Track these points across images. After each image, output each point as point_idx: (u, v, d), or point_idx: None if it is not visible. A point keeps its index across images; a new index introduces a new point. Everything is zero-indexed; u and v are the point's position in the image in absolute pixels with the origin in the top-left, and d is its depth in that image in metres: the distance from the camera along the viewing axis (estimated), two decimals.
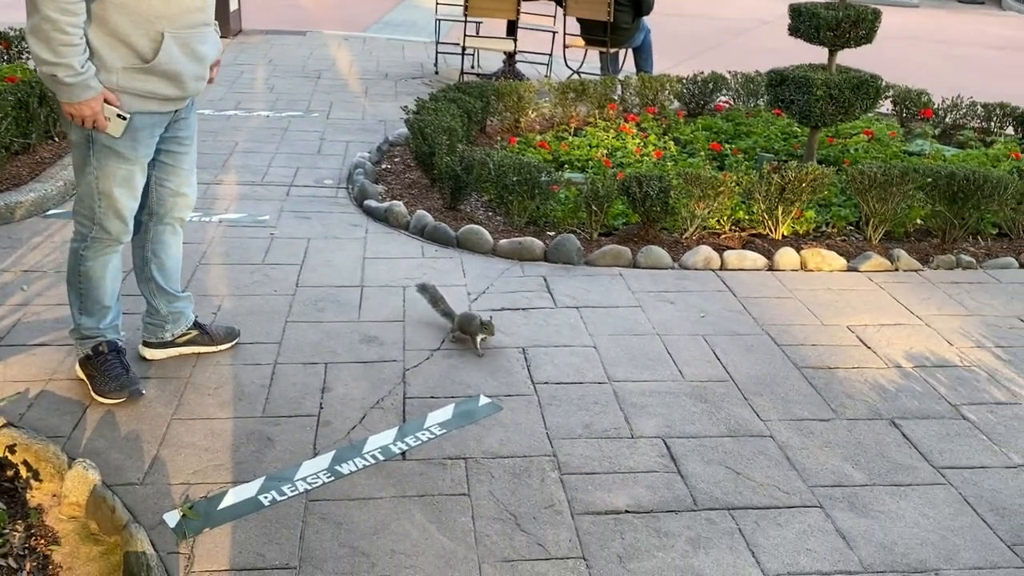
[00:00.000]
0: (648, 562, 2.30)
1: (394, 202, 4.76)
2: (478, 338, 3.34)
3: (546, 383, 3.15)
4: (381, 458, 2.67)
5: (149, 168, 2.80)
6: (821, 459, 2.78)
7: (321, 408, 2.93)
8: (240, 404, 2.92)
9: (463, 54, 8.26)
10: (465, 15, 7.97)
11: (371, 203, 4.83)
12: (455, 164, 4.78)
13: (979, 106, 6.75)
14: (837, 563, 2.33)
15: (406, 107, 5.87)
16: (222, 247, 4.23)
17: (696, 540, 2.39)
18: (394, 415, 2.90)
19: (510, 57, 8.46)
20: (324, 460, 2.65)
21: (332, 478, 2.57)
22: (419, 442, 2.75)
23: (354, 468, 2.62)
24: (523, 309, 3.73)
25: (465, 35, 8.06)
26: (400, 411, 2.93)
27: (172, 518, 2.37)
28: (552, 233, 4.57)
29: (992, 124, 6.70)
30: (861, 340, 3.59)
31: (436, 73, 8.85)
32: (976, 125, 6.79)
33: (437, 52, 8.84)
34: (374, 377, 3.13)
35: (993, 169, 4.87)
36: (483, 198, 5.05)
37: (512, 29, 8.36)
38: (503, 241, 4.36)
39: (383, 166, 5.67)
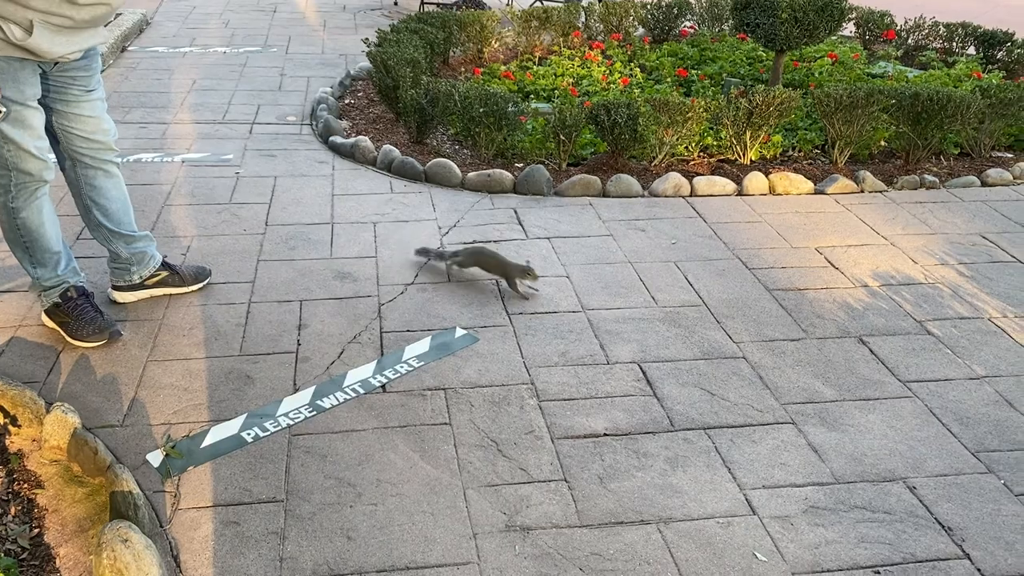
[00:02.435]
0: (628, 482, 2.36)
1: (360, 137, 4.68)
2: (523, 283, 3.29)
3: (521, 313, 3.17)
4: (361, 391, 2.69)
5: (49, 114, 2.70)
6: (792, 377, 2.85)
7: (299, 345, 2.92)
8: (216, 343, 2.91)
9: None
10: None
11: (336, 139, 4.75)
12: (420, 97, 4.70)
13: (941, 26, 6.76)
14: (810, 475, 2.41)
15: (367, 40, 5.74)
16: (187, 187, 4.15)
17: (674, 459, 2.45)
18: (372, 349, 2.91)
19: None
20: (305, 395, 2.66)
21: (314, 412, 2.58)
22: (398, 375, 2.77)
23: (335, 402, 2.63)
24: (495, 241, 3.73)
25: None
26: (378, 345, 2.94)
27: (155, 458, 2.37)
28: (521, 165, 4.54)
29: (954, 44, 6.72)
30: (829, 261, 3.65)
31: (396, 4, 8.62)
32: (938, 46, 6.81)
33: None
34: (350, 313, 3.12)
35: (956, 89, 4.91)
36: (449, 131, 4.99)
37: None
38: (472, 174, 4.33)
39: (346, 101, 5.56)
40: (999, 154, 4.88)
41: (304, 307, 3.15)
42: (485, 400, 2.67)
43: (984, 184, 4.51)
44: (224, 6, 8.11)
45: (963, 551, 2.16)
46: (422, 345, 2.94)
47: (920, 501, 2.32)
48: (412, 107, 4.74)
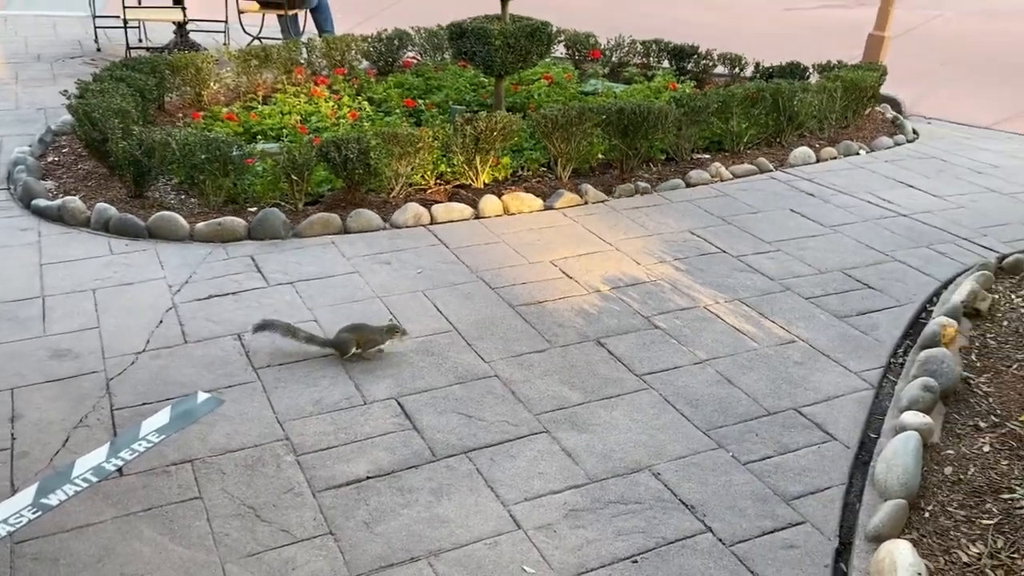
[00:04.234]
0: (395, 521, 2.33)
1: (68, 198, 4.28)
2: (390, 343, 3.09)
3: (268, 367, 3.04)
4: (95, 480, 2.44)
5: None
6: (542, 387, 2.98)
7: (13, 439, 2.60)
8: None
9: (126, 27, 7.54)
10: None
11: (40, 202, 4.31)
12: (134, 148, 4.38)
13: (639, 44, 7.42)
14: (567, 480, 2.52)
15: (66, 91, 5.26)
16: None
17: (438, 489, 2.46)
18: (103, 431, 2.66)
19: (181, 27, 7.87)
20: (26, 495, 2.37)
21: (39, 513, 2.31)
22: (136, 454, 2.55)
23: (64, 497, 2.37)
24: (233, 293, 3.56)
25: (125, 7, 7.35)
26: (109, 425, 2.68)
27: None
28: (254, 209, 4.38)
29: (651, 59, 7.40)
30: (564, 272, 3.86)
31: (98, 50, 8.02)
32: (638, 61, 7.46)
33: (96, 27, 8.00)
34: (73, 394, 2.83)
35: (655, 101, 5.40)
36: (172, 181, 4.70)
37: None
38: (201, 224, 4.11)
39: (51, 159, 5.07)
40: (698, 156, 5.43)
41: (16, 395, 2.81)
42: (237, 465, 2.53)
43: (688, 185, 5.00)
44: None
45: (706, 525, 2.37)
46: (161, 417, 2.73)
47: (665, 485, 2.51)
48: (126, 160, 4.40)
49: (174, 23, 7.89)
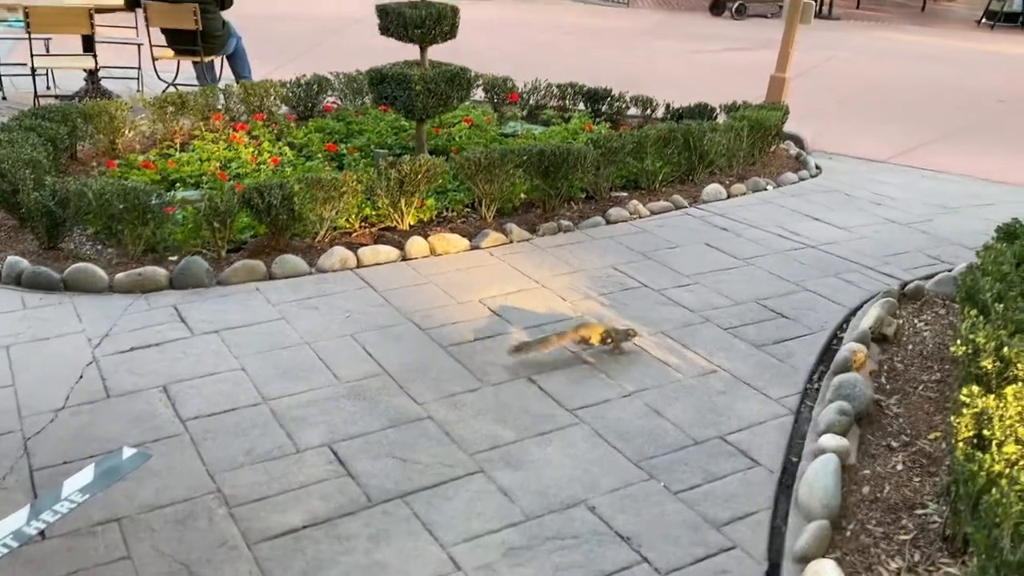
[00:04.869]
0: (333, 570, 2.32)
1: None
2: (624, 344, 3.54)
3: (196, 418, 2.99)
4: (15, 545, 2.34)
5: None
6: (476, 427, 3.01)
7: None
8: None
9: (34, 75, 7.34)
10: (28, 33, 7.07)
11: None
12: (47, 199, 4.27)
13: (555, 87, 7.62)
14: (504, 519, 2.55)
15: None
16: None
17: (376, 535, 2.46)
18: (22, 493, 2.56)
19: (92, 74, 7.71)
20: None
21: None
22: (58, 516, 2.46)
23: None
24: (157, 345, 3.48)
25: (32, 54, 7.16)
26: (28, 487, 2.59)
27: None
28: (175, 258, 4.30)
29: (567, 101, 7.61)
30: (492, 310, 3.91)
31: (4, 99, 7.78)
32: (555, 104, 7.66)
33: (0, 75, 7.76)
34: None
35: (573, 142, 5.56)
36: (88, 231, 4.59)
37: (89, 44, 7.61)
38: (120, 275, 4.02)
39: None
40: (617, 194, 5.59)
41: None
42: (168, 521, 2.47)
43: (609, 222, 5.14)
44: None
45: (642, 555, 2.42)
46: (85, 475, 2.65)
47: (600, 519, 2.56)
48: (38, 211, 4.28)
49: (85, 70, 7.73)
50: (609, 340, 3.51)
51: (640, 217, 5.27)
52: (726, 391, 3.29)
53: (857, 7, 17.76)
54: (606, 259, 4.57)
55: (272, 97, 6.83)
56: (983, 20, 16.60)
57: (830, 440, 2.85)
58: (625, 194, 5.62)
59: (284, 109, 7.02)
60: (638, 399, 3.22)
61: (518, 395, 3.22)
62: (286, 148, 5.93)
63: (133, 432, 2.89)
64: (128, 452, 2.78)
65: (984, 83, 10.39)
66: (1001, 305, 2.96)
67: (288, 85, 6.91)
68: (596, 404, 3.18)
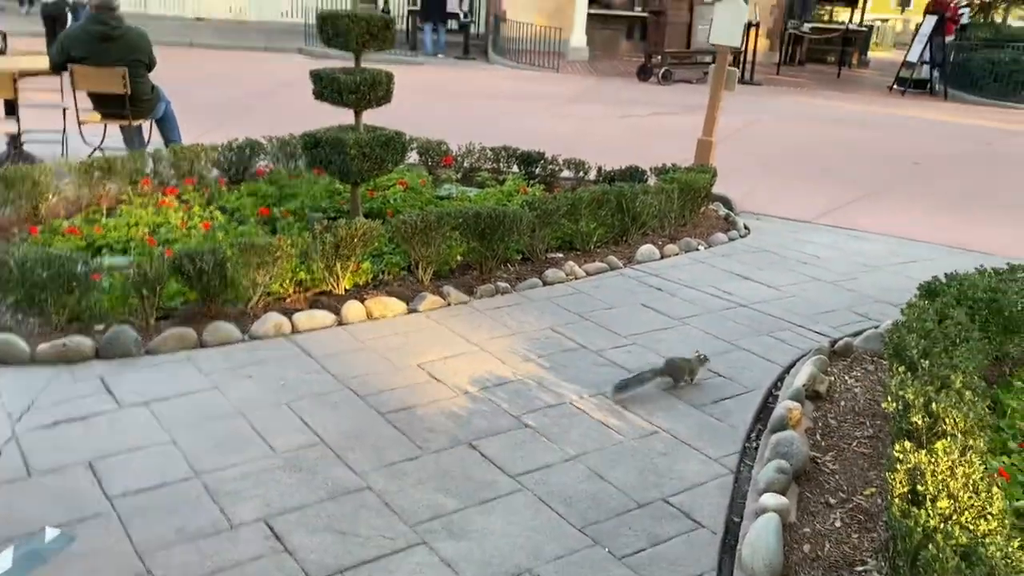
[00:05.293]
0: None
1: None
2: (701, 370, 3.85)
3: (124, 495, 2.86)
4: None
5: None
6: (416, 497, 2.95)
7: None
8: None
9: None
10: None
11: None
12: None
13: (488, 150, 7.73)
14: None
15: None
16: None
17: None
18: None
19: (15, 139, 7.51)
20: None
21: None
22: None
23: None
24: (82, 418, 3.34)
25: None
26: None
27: None
28: (101, 327, 4.16)
29: (501, 164, 7.72)
30: (431, 375, 3.88)
31: None
32: (489, 166, 7.76)
33: None
34: None
35: (508, 204, 5.62)
36: (8, 300, 4.41)
37: (12, 108, 7.43)
38: (43, 346, 3.86)
39: None
40: (552, 255, 5.66)
41: None
42: None
43: (545, 283, 5.19)
44: None
45: None
46: (3, 561, 2.49)
47: None
48: None
49: (7, 135, 7.53)
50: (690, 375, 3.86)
51: (576, 278, 5.33)
52: (667, 452, 3.31)
53: (777, 73, 18.59)
54: (544, 321, 4.60)
55: (203, 161, 6.75)
56: (894, 86, 17.55)
57: (770, 499, 2.88)
58: (561, 255, 5.68)
59: (215, 173, 6.94)
60: (580, 463, 3.21)
61: (459, 462, 3.18)
62: (217, 212, 5.85)
63: (56, 512, 2.75)
64: (51, 534, 2.62)
65: (898, 146, 10.94)
66: (927, 361, 3.07)
67: (220, 149, 6.84)
68: (538, 469, 3.16)
